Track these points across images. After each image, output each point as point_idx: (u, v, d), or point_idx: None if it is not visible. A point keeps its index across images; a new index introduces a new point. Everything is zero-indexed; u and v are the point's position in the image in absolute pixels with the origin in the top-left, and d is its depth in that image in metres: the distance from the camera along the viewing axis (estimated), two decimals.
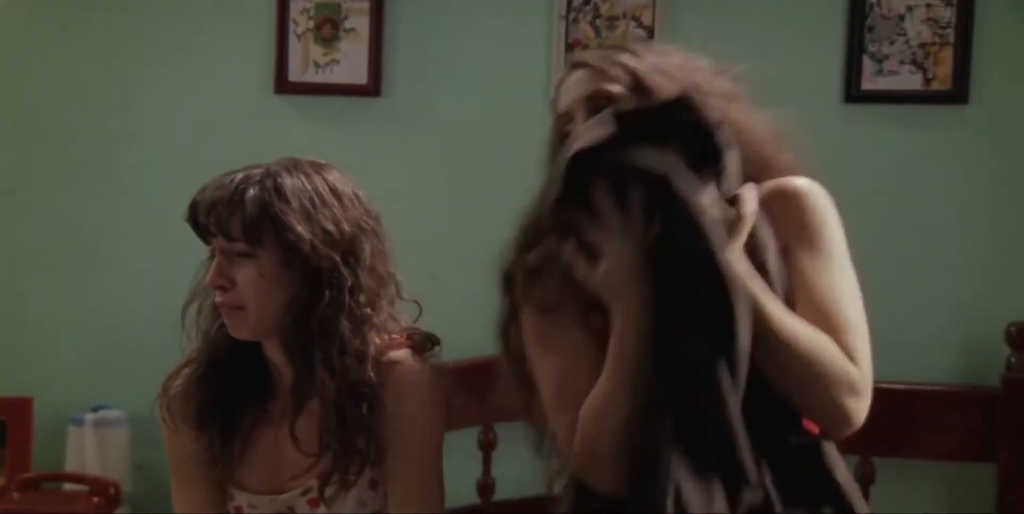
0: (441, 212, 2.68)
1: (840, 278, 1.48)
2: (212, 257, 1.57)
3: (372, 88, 2.70)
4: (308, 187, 1.54)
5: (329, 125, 2.73)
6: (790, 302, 1.43)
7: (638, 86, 1.50)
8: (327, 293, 1.52)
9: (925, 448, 2.44)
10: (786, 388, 1.38)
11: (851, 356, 1.40)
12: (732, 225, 1.35)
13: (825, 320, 1.42)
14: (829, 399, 1.38)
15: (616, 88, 1.50)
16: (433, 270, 2.54)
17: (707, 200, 1.32)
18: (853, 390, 1.39)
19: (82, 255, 2.82)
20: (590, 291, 1.40)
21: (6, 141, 2.84)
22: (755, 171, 1.50)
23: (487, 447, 2.57)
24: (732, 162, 1.37)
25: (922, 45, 2.54)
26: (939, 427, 2.44)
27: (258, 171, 1.55)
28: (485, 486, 2.58)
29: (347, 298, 1.53)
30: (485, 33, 2.69)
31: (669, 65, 1.54)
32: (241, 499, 1.64)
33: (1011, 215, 2.53)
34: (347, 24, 2.70)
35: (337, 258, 1.53)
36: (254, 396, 1.64)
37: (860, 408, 1.40)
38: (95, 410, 2.68)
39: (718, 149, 1.35)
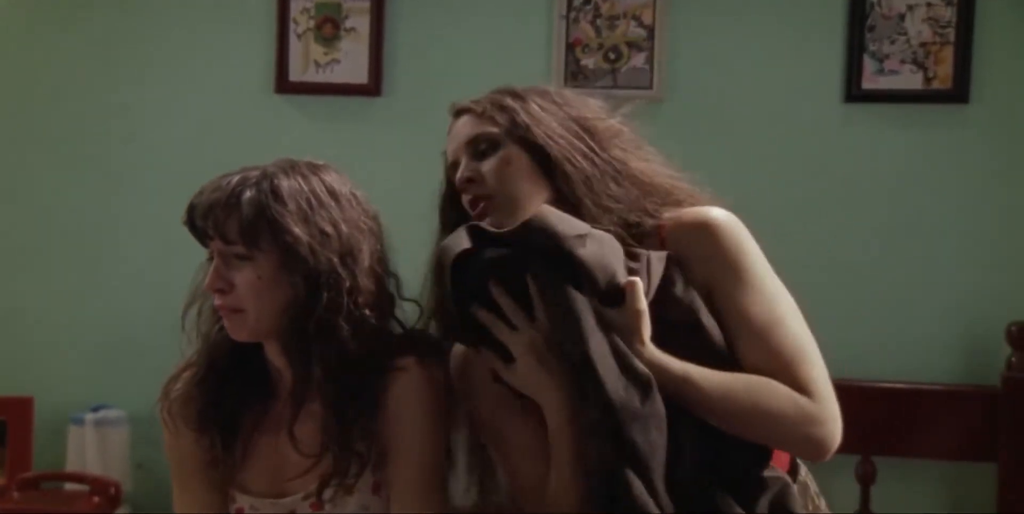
0: None
1: (775, 306, 1.45)
2: (211, 259, 1.56)
3: (372, 87, 2.70)
4: (305, 188, 1.53)
5: (330, 125, 2.73)
6: (731, 343, 1.44)
7: (515, 125, 1.51)
8: (325, 295, 1.51)
9: (925, 447, 2.45)
10: (749, 437, 1.40)
11: (802, 387, 1.40)
12: (631, 322, 1.36)
13: (770, 354, 1.42)
14: (791, 437, 1.40)
15: (495, 130, 1.53)
16: None
17: (583, 305, 1.35)
18: (812, 421, 1.39)
19: (82, 255, 2.82)
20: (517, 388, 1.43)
21: (8, 141, 2.84)
22: (654, 203, 1.51)
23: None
24: (601, 264, 1.37)
25: (923, 44, 2.54)
26: (939, 426, 2.44)
27: (255, 173, 1.54)
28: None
29: (345, 299, 1.52)
30: (486, 32, 2.69)
31: (552, 104, 1.55)
32: (243, 502, 1.64)
33: (1011, 214, 2.53)
34: (347, 24, 2.70)
35: (335, 259, 1.52)
36: (255, 398, 1.63)
37: (827, 433, 1.40)
38: (95, 410, 2.68)
39: (576, 261, 1.35)
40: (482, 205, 1.51)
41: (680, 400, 1.37)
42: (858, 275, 2.55)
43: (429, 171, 2.70)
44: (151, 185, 2.76)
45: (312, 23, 2.71)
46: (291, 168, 1.56)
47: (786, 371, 1.40)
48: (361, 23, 2.70)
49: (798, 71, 2.59)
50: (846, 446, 1.46)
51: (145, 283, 2.75)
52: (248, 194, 1.50)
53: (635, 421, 1.32)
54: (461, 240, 1.40)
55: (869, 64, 2.55)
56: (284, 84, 2.73)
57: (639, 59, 2.62)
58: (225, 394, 1.61)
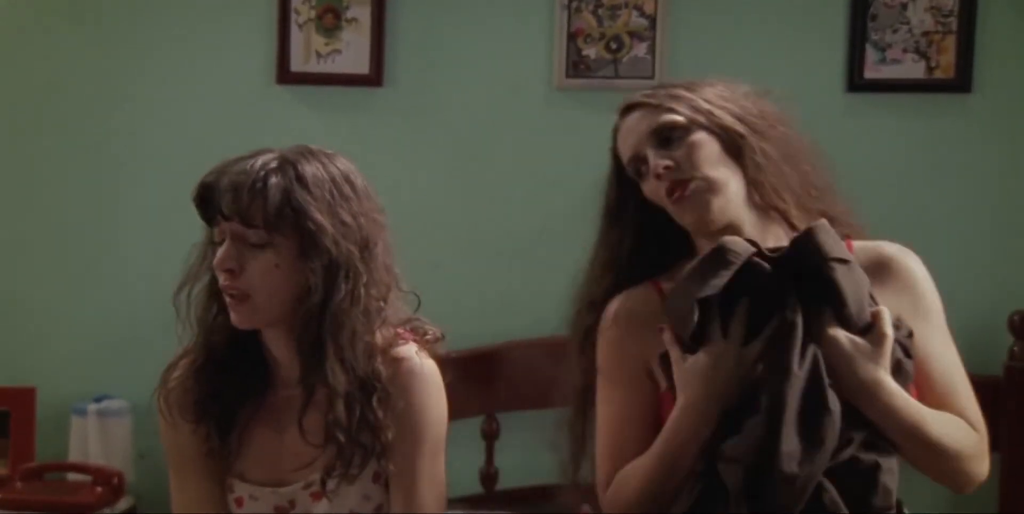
0: (443, 202, 2.67)
1: (950, 346, 1.55)
2: (213, 242, 1.55)
3: (374, 78, 2.69)
4: (326, 177, 1.52)
5: (331, 115, 2.73)
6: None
7: (697, 111, 1.53)
8: (344, 286, 1.50)
9: None
10: (924, 469, 1.47)
11: (973, 423, 1.49)
12: (876, 345, 1.39)
13: (950, 394, 1.50)
14: (967, 471, 1.48)
15: (679, 118, 1.54)
16: (435, 260, 2.54)
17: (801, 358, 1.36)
18: (980, 458, 1.48)
19: (84, 245, 2.81)
20: (673, 371, 1.46)
21: (10, 133, 2.83)
22: (814, 196, 1.57)
23: (490, 437, 2.57)
24: (853, 291, 1.40)
25: (925, 33, 2.53)
26: None
27: (271, 156, 1.52)
28: (488, 476, 2.58)
29: (362, 292, 1.52)
30: (487, 23, 2.68)
31: (716, 94, 1.58)
32: (242, 490, 1.63)
33: (1014, 204, 2.53)
34: (349, 14, 2.69)
35: (355, 252, 1.51)
36: (252, 388, 1.63)
37: (986, 468, 1.50)
38: (98, 400, 2.68)
39: (835, 286, 1.39)
40: (678, 190, 1.52)
41: (901, 437, 1.42)
42: None
43: (430, 161, 2.72)
44: (153, 175, 2.75)
45: (313, 13, 2.70)
46: (310, 154, 1.55)
47: (962, 409, 1.49)
48: (362, 13, 2.69)
49: (800, 60, 2.59)
50: None
51: (147, 274, 2.74)
52: (274, 179, 1.49)
53: (787, 480, 1.33)
54: (745, 245, 1.42)
55: (871, 53, 2.55)
56: (285, 75, 2.72)
57: (641, 49, 2.62)
58: (223, 384, 1.60)
